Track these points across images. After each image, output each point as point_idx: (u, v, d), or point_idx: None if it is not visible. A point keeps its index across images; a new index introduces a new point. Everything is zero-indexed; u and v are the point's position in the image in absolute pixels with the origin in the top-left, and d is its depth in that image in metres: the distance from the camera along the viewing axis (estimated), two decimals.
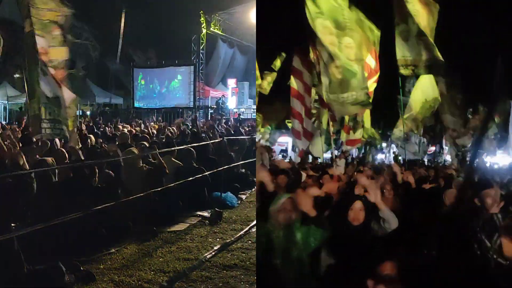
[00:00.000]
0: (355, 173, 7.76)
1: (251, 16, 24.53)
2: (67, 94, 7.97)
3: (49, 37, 7.90)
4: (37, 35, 7.77)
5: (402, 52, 10.09)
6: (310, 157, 12.06)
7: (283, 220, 3.74)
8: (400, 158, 17.25)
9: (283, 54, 14.13)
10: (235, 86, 30.14)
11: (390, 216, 3.99)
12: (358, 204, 4.07)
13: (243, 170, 10.61)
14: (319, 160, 11.87)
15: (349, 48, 9.47)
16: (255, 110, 27.12)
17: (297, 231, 3.80)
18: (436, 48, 9.79)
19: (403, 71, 10.23)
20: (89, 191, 5.77)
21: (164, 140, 9.98)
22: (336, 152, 13.93)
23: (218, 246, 5.89)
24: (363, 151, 17.46)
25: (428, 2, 9.93)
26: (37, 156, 6.57)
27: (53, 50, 7.97)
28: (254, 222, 6.99)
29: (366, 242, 4.09)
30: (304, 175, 6.96)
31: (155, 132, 12.89)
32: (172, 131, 12.70)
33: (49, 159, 5.77)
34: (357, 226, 4.06)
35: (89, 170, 5.97)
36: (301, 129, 11.76)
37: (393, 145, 18.77)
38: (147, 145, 8.39)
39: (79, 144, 8.40)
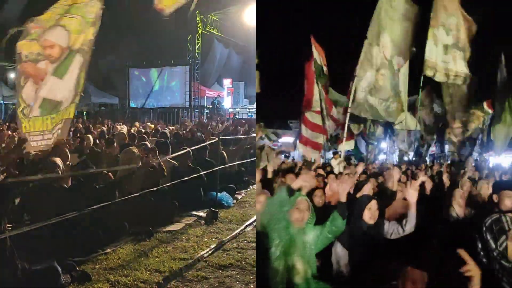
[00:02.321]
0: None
1: (247, 16, 24.56)
2: None
3: None
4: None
5: (430, 53, 10.41)
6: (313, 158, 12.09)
7: (297, 220, 3.76)
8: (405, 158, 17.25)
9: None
10: (231, 86, 30.22)
11: (415, 218, 4.09)
12: (374, 204, 4.15)
13: (243, 169, 10.66)
14: (322, 161, 11.92)
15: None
16: (250, 110, 27.28)
17: (310, 231, 3.83)
18: (466, 64, 10.24)
19: (428, 71, 10.58)
20: (87, 191, 5.76)
21: (161, 140, 10.00)
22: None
23: (215, 245, 5.90)
24: (366, 151, 17.42)
25: (469, 19, 10.32)
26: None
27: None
28: (250, 221, 7.04)
29: (380, 240, 4.17)
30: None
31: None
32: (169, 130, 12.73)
33: (57, 159, 5.72)
34: (372, 225, 4.13)
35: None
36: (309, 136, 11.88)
37: (394, 145, 18.71)
38: (148, 146, 8.40)
39: None
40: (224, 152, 9.65)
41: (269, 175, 6.27)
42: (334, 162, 11.19)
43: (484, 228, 3.64)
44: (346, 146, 11.97)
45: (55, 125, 6.84)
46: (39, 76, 6.59)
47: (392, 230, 4.25)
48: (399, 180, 6.30)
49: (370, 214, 4.14)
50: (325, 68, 11.48)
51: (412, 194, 4.09)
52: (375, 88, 10.24)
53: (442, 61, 10.56)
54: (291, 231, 3.73)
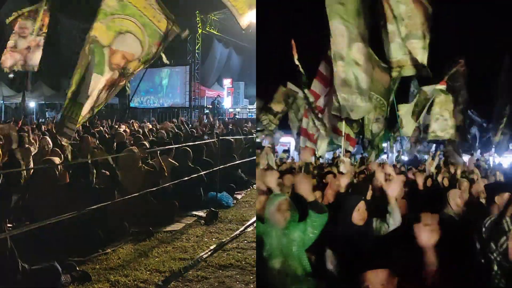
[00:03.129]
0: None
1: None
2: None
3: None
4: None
5: (388, 53, 9.97)
6: (313, 157, 12.04)
7: (279, 220, 3.78)
8: (402, 158, 17.24)
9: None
10: (231, 86, 30.21)
11: (397, 212, 4.06)
12: (362, 205, 4.14)
13: (240, 172, 10.65)
14: (321, 160, 11.87)
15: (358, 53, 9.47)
16: (250, 110, 27.29)
17: (294, 229, 3.85)
18: (426, 52, 9.67)
19: (394, 73, 10.14)
20: (87, 191, 5.76)
21: (158, 140, 10.02)
22: (338, 152, 13.99)
23: (214, 246, 5.90)
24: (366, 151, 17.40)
25: (422, 2, 9.67)
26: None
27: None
28: (250, 222, 7.04)
29: (369, 242, 4.16)
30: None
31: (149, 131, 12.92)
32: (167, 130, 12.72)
33: (56, 159, 5.73)
34: (361, 226, 4.12)
35: (86, 170, 5.96)
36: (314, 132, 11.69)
37: (395, 145, 18.69)
38: (147, 145, 8.42)
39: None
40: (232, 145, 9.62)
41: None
42: (347, 160, 11.15)
43: (483, 229, 3.63)
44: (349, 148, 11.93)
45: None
46: None
47: (379, 227, 4.22)
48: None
49: (359, 216, 4.12)
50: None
51: (393, 189, 4.04)
52: (342, 82, 9.67)
53: (404, 54, 10.00)
54: (274, 233, 3.76)
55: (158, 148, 7.87)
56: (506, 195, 4.28)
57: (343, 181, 5.62)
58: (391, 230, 4.18)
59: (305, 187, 3.84)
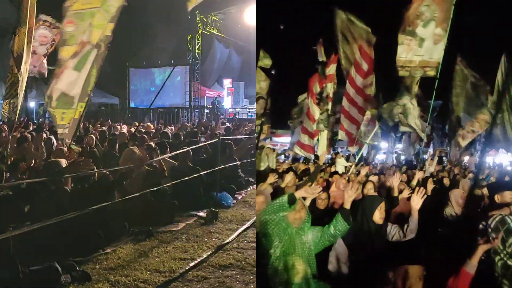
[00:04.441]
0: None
1: (247, 16, 24.60)
2: None
3: None
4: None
5: (401, 53, 10.11)
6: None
7: (294, 219, 3.78)
8: (402, 158, 17.23)
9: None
10: (231, 86, 30.20)
11: (416, 226, 4.16)
12: (383, 204, 4.20)
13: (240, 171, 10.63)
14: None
15: None
16: (250, 110, 27.29)
17: (308, 231, 3.85)
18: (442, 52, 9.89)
19: (401, 72, 10.25)
20: (87, 191, 5.76)
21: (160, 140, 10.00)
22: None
23: (214, 246, 5.90)
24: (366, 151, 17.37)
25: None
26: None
27: None
28: (250, 222, 7.04)
29: (382, 241, 4.19)
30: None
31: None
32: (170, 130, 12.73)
33: (63, 160, 5.68)
34: (379, 225, 4.15)
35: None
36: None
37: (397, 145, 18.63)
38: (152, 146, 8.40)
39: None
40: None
41: (269, 177, 6.25)
42: (341, 161, 11.15)
43: (489, 230, 3.58)
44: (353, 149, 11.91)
45: (67, 122, 7.00)
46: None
47: (394, 233, 4.28)
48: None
49: (380, 215, 4.16)
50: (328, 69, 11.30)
51: (417, 201, 4.15)
52: None
53: (416, 55, 10.23)
54: (290, 231, 3.76)
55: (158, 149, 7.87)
56: (506, 193, 4.27)
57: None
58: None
59: (352, 195, 3.85)
